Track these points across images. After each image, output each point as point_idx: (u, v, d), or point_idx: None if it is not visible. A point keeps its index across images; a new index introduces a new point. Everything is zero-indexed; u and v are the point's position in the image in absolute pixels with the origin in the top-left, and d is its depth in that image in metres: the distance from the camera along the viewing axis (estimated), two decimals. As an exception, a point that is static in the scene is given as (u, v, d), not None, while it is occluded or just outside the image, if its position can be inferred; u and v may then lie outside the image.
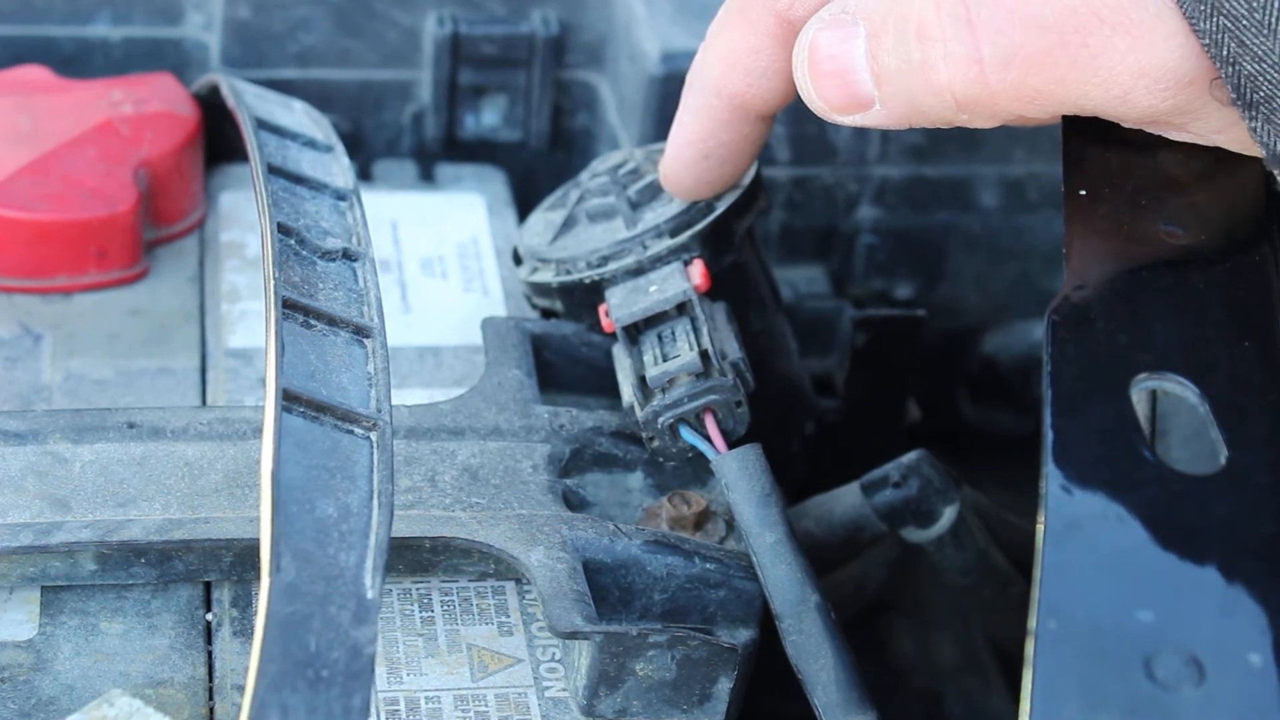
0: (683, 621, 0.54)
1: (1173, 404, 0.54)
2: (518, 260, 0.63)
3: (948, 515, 0.60)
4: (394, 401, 0.51)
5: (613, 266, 0.59)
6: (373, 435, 0.48)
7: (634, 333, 0.58)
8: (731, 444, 0.55)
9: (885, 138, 0.73)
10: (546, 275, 0.60)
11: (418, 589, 0.54)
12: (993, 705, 0.69)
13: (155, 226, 0.66)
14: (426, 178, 0.74)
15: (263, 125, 0.60)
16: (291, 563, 0.44)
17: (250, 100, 0.62)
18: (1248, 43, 0.45)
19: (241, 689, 0.50)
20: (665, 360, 0.56)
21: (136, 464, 0.53)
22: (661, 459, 0.57)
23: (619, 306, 0.58)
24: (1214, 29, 0.45)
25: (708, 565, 0.54)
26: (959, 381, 0.78)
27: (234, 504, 0.53)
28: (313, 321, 0.51)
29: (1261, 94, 0.45)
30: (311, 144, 0.61)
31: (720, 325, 0.57)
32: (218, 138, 0.69)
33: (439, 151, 0.75)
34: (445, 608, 0.54)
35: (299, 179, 0.57)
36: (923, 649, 0.70)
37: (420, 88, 0.75)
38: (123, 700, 0.47)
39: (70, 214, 0.63)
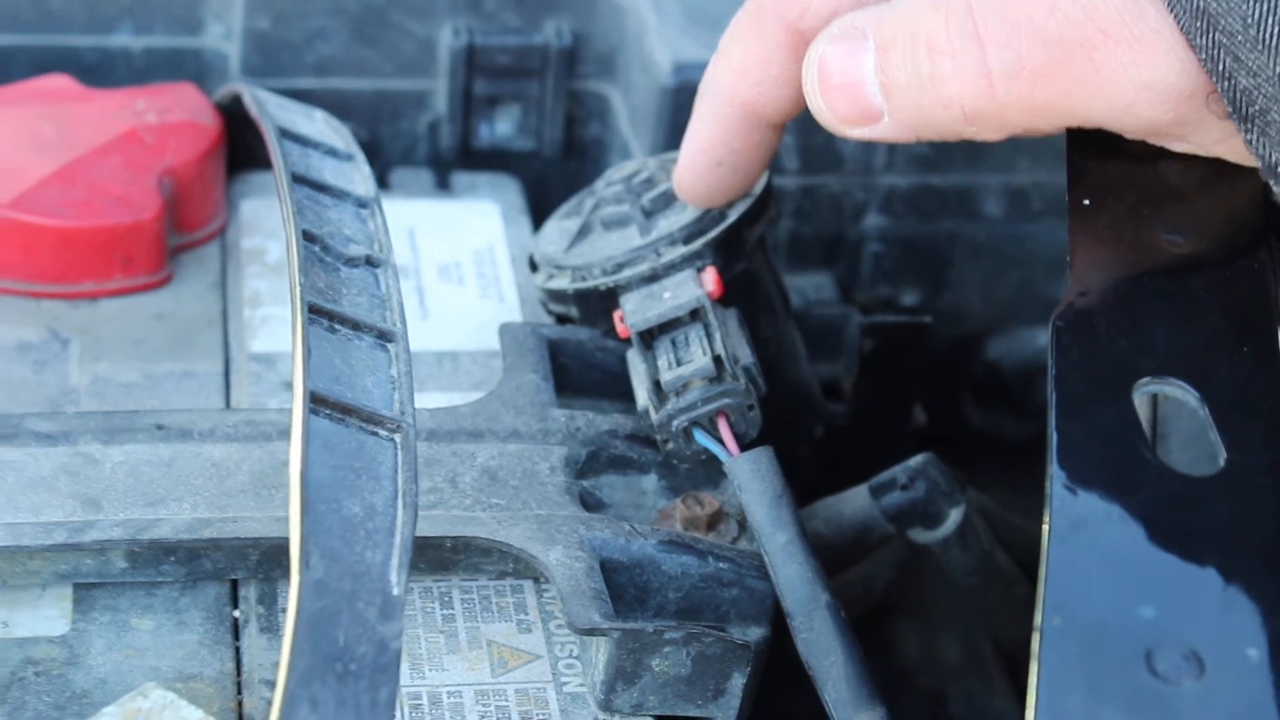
0: (697, 619, 0.55)
1: (1174, 407, 0.55)
2: (534, 267, 0.64)
3: (954, 517, 0.61)
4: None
5: (627, 273, 0.60)
6: (397, 437, 0.50)
7: (648, 338, 0.59)
8: (744, 447, 0.57)
9: (892, 148, 0.74)
10: (562, 282, 0.62)
11: (439, 587, 0.55)
12: (995, 705, 0.69)
13: (179, 233, 0.67)
14: (442, 186, 0.75)
15: (286, 134, 0.61)
16: (320, 560, 0.45)
17: (273, 110, 0.63)
18: (1243, 58, 0.46)
19: (268, 683, 0.52)
20: (679, 365, 0.58)
21: (165, 465, 0.55)
22: (675, 461, 0.58)
23: (634, 312, 0.59)
24: (1210, 45, 0.46)
25: (721, 565, 0.55)
26: (964, 387, 0.79)
27: (260, 504, 0.54)
28: (337, 326, 0.52)
29: (1256, 107, 0.46)
30: (333, 153, 0.62)
31: (732, 331, 0.59)
32: (238, 146, 0.71)
33: (454, 160, 0.77)
34: (466, 605, 0.55)
35: (322, 187, 0.59)
36: (927, 649, 0.71)
37: (436, 97, 0.76)
38: (156, 693, 0.49)
39: (96, 221, 0.64)
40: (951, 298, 0.78)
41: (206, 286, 0.67)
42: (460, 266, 0.69)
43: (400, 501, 0.48)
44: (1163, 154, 0.51)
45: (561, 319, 0.63)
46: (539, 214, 0.72)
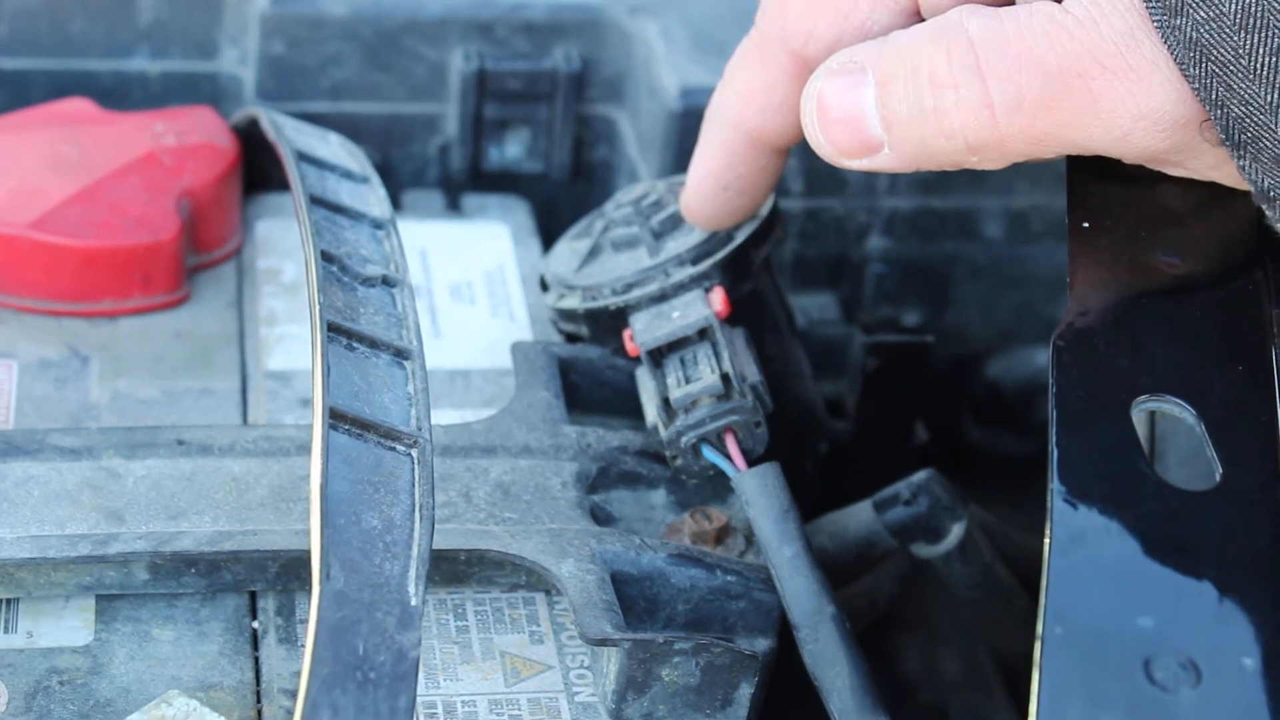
0: (705, 631, 0.56)
1: (1171, 424, 0.56)
2: (545, 287, 0.65)
3: (956, 532, 0.62)
4: (432, 420, 0.53)
5: (637, 293, 0.61)
6: (414, 452, 0.51)
7: (658, 356, 0.60)
8: (751, 462, 0.58)
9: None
10: (573, 301, 0.63)
11: (453, 599, 0.57)
12: (996, 718, 0.70)
13: (196, 253, 0.68)
14: (453, 207, 0.77)
15: (303, 157, 0.62)
16: (340, 571, 0.47)
17: (290, 133, 0.64)
18: (1235, 87, 0.47)
19: (287, 693, 0.53)
20: (688, 383, 0.59)
21: (186, 479, 0.56)
22: (684, 477, 0.60)
23: (643, 331, 0.60)
24: (1203, 74, 0.47)
25: (729, 578, 0.56)
26: (965, 405, 0.79)
27: (279, 517, 0.55)
28: (355, 344, 0.54)
29: (1248, 135, 0.47)
30: (349, 175, 0.63)
31: (740, 349, 0.60)
32: (253, 168, 0.72)
33: (464, 182, 0.78)
34: (479, 617, 0.56)
35: (339, 209, 0.60)
36: (929, 662, 0.72)
37: (447, 121, 0.77)
38: (180, 700, 0.50)
39: (116, 241, 0.65)
40: (953, 318, 0.79)
41: (223, 305, 0.68)
42: (472, 286, 0.70)
43: (417, 515, 0.49)
44: (1160, 178, 0.52)
45: (572, 338, 0.64)
46: (548, 235, 0.74)
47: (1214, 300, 0.51)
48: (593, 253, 0.64)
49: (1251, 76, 0.46)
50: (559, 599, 0.57)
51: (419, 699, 0.53)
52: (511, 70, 0.76)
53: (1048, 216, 0.77)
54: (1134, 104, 0.48)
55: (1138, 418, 0.48)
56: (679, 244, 0.62)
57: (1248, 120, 0.47)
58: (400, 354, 0.54)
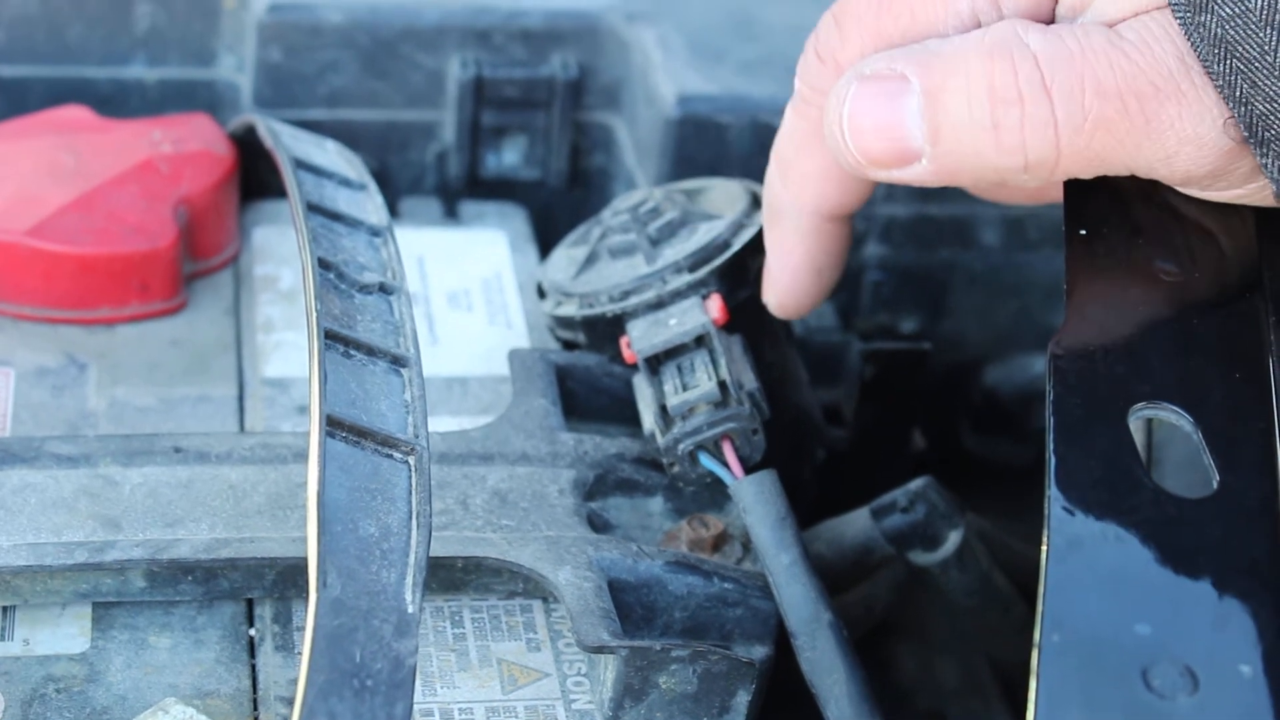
0: (702, 638, 0.56)
1: (1168, 432, 0.56)
2: (542, 294, 0.65)
3: (953, 539, 0.62)
4: (429, 428, 0.53)
5: (634, 300, 0.61)
6: (411, 459, 0.51)
7: (655, 364, 0.60)
8: (748, 470, 0.58)
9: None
10: (570, 309, 0.63)
11: (450, 607, 0.57)
12: (994, 726, 0.70)
13: (193, 260, 0.68)
14: (450, 215, 0.77)
15: (301, 165, 0.62)
16: (337, 579, 0.46)
17: (287, 140, 0.64)
18: (1259, 84, 0.47)
19: (283, 700, 0.53)
20: (685, 390, 0.59)
21: (183, 486, 0.56)
22: (681, 484, 0.60)
23: (640, 339, 0.60)
24: (1227, 71, 0.47)
25: (726, 585, 0.56)
26: (962, 412, 0.79)
27: (276, 525, 0.55)
28: (352, 351, 0.54)
29: (1272, 132, 0.47)
30: (346, 182, 0.63)
31: (737, 357, 0.60)
32: (251, 175, 0.72)
33: (461, 189, 0.78)
34: (476, 624, 0.56)
35: (336, 216, 0.60)
36: (926, 670, 0.72)
37: (444, 128, 0.77)
38: (177, 708, 0.50)
39: (113, 248, 0.65)
40: (950, 325, 0.79)
41: (220, 312, 0.68)
42: (469, 294, 0.70)
43: (414, 522, 0.49)
44: (1158, 187, 0.52)
45: (569, 345, 0.65)
46: (545, 242, 0.74)
47: (1211, 308, 0.51)
48: (590, 260, 0.64)
49: (1276, 73, 0.46)
50: (556, 606, 0.57)
51: (416, 707, 0.53)
52: (509, 78, 0.76)
53: (1045, 224, 0.77)
54: (1182, 127, 0.48)
55: (1135, 425, 0.48)
56: (676, 251, 0.62)
57: (1272, 117, 0.47)
58: (397, 361, 0.54)
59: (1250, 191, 0.50)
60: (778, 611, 0.55)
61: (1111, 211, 0.53)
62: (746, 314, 0.62)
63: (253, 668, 0.54)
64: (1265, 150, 0.48)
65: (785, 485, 0.57)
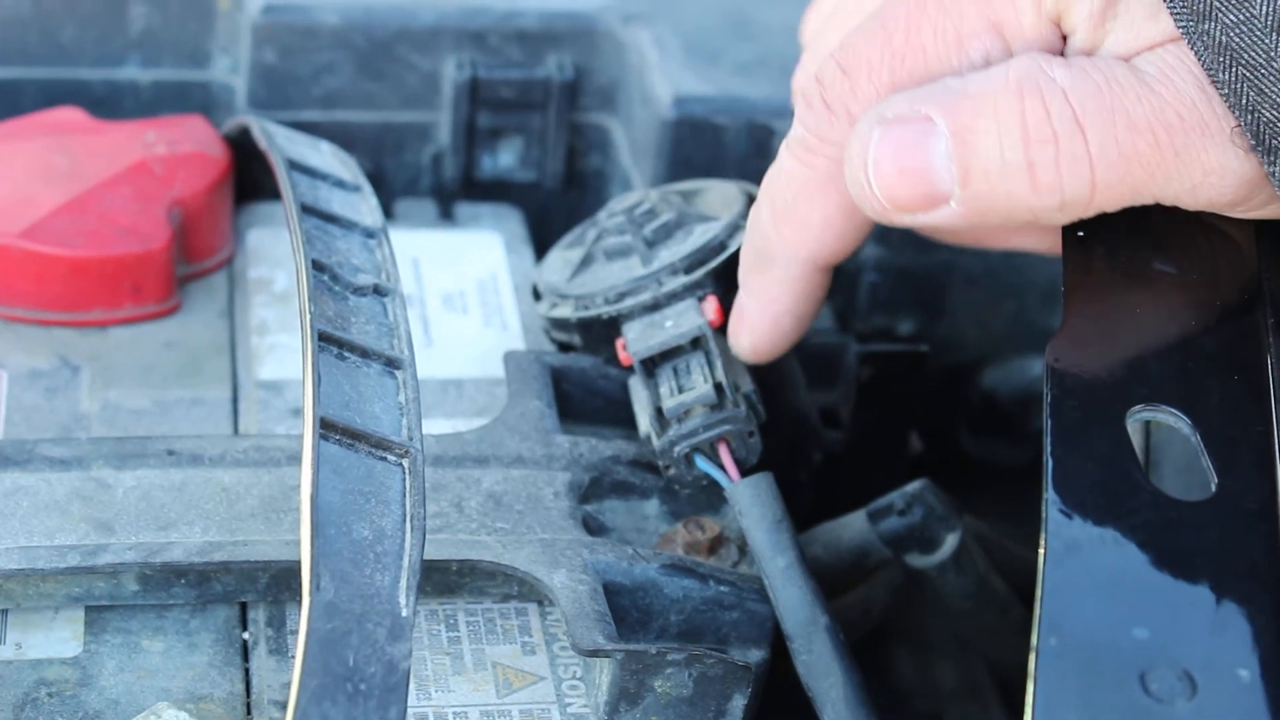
0: (698, 641, 0.56)
1: (1166, 434, 0.56)
2: (537, 296, 0.65)
3: (950, 542, 0.62)
4: (423, 430, 0.53)
5: (629, 302, 0.61)
6: (405, 462, 0.51)
7: (650, 366, 0.60)
8: (744, 473, 0.58)
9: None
10: (566, 311, 0.63)
11: (444, 610, 0.56)
12: (991, 729, 0.70)
13: (187, 262, 0.68)
14: (446, 216, 0.77)
15: (295, 166, 0.62)
16: (330, 582, 0.46)
17: (282, 142, 0.64)
18: (1266, 91, 0.46)
19: (277, 704, 0.52)
20: (681, 392, 0.59)
21: (176, 489, 0.56)
22: (677, 487, 0.59)
23: (636, 340, 0.60)
24: (1233, 79, 0.47)
25: (722, 588, 0.56)
26: (959, 414, 0.79)
27: (270, 528, 0.55)
28: (346, 354, 0.53)
29: None
30: (340, 184, 0.63)
31: (733, 359, 0.60)
32: (245, 177, 0.72)
33: (457, 191, 0.78)
34: (471, 628, 0.56)
35: (330, 218, 0.60)
36: (923, 673, 0.72)
37: (439, 130, 0.77)
38: (169, 712, 0.50)
39: (107, 250, 0.65)
40: (947, 327, 0.79)
41: (214, 315, 0.68)
42: (464, 295, 0.70)
43: (408, 525, 0.49)
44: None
45: (564, 347, 0.64)
46: (540, 244, 0.74)
47: (1210, 310, 0.51)
48: (585, 262, 0.63)
49: None
50: (551, 609, 0.57)
51: (410, 711, 0.53)
52: (504, 79, 0.76)
53: (1043, 226, 0.77)
54: (1206, 158, 0.48)
55: (1133, 428, 0.48)
56: (672, 253, 0.62)
57: (1279, 124, 0.47)
58: (391, 363, 0.54)
59: (1272, 213, 0.50)
60: (774, 615, 0.55)
61: (1110, 213, 0.52)
62: (743, 316, 0.62)
63: (246, 671, 0.54)
64: (1273, 158, 0.47)
65: (782, 488, 0.57)
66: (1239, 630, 0.44)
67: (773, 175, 0.56)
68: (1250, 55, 0.46)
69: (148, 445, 0.57)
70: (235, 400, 0.64)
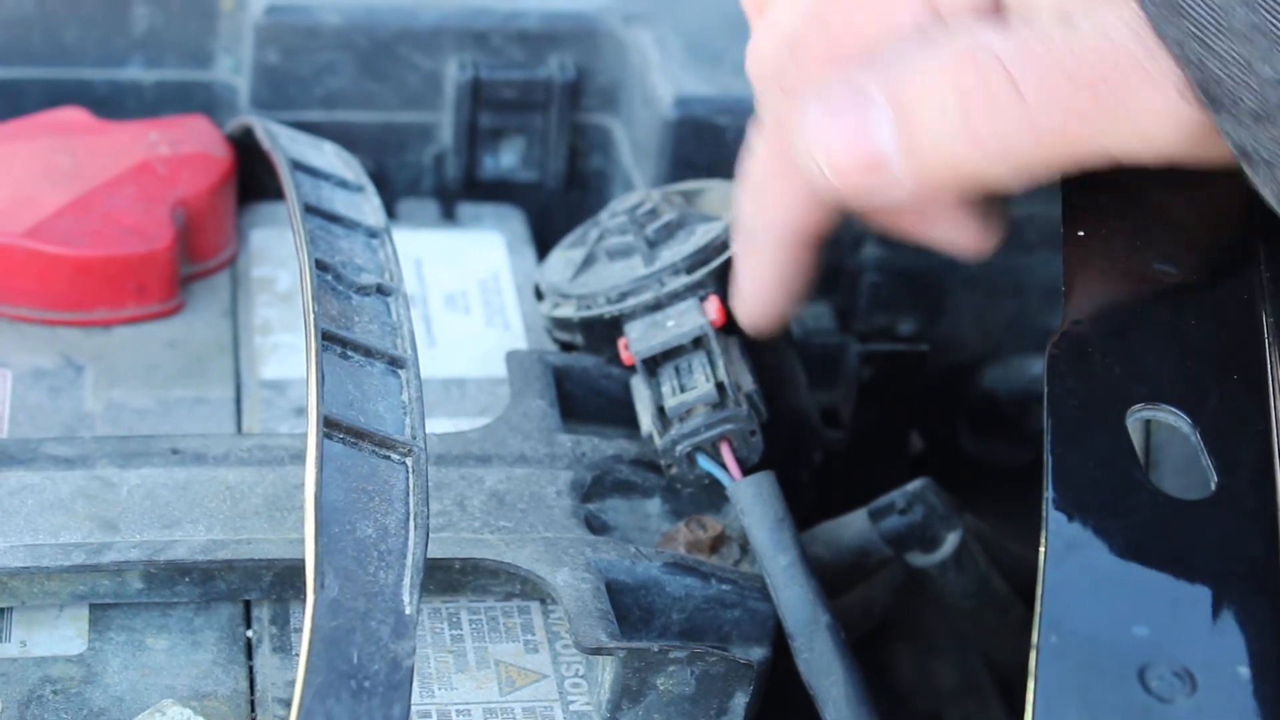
0: (700, 640, 0.56)
1: (1166, 433, 0.56)
2: (539, 296, 0.65)
3: (951, 541, 0.62)
4: (426, 429, 0.53)
5: (632, 302, 0.61)
6: (408, 460, 0.51)
7: (652, 365, 0.60)
8: (745, 471, 0.58)
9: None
10: (568, 310, 0.63)
11: (447, 608, 0.57)
12: (992, 728, 0.71)
13: (191, 262, 0.68)
14: (448, 216, 0.77)
15: (298, 166, 0.62)
16: (334, 580, 0.46)
17: (285, 142, 0.64)
18: (1211, 44, 0.46)
19: (281, 702, 0.53)
20: (683, 391, 0.59)
21: (180, 488, 0.56)
22: (679, 486, 0.60)
23: (638, 340, 0.60)
24: (1178, 33, 0.47)
25: (723, 587, 0.56)
26: (960, 414, 0.80)
27: (274, 526, 0.55)
28: (350, 353, 0.54)
29: (1225, 92, 0.47)
30: (343, 184, 0.63)
31: (735, 358, 0.60)
32: (248, 177, 0.72)
33: (459, 191, 0.78)
34: (474, 626, 0.56)
35: (333, 217, 0.60)
36: (924, 672, 0.72)
37: (441, 130, 0.77)
38: (174, 710, 0.50)
39: (110, 250, 0.65)
40: (948, 327, 0.79)
41: (218, 314, 0.68)
42: (466, 295, 0.70)
43: (412, 523, 0.49)
44: (1155, 187, 0.52)
45: (567, 346, 0.64)
46: (542, 244, 0.74)
47: (1210, 309, 0.51)
48: (587, 261, 0.64)
49: (1226, 34, 0.46)
50: (554, 608, 0.57)
51: (414, 708, 0.53)
52: (506, 79, 0.76)
53: (1042, 226, 0.77)
54: (1153, 103, 0.48)
55: (1133, 427, 0.48)
56: (674, 253, 0.62)
57: (1224, 77, 0.47)
58: (395, 362, 0.54)
59: (1225, 160, 0.49)
60: (775, 613, 0.55)
61: (1109, 213, 0.53)
62: (744, 316, 0.62)
63: (250, 669, 0.54)
64: (1220, 111, 0.47)
65: (783, 487, 0.57)
66: (1239, 628, 0.44)
67: (748, 158, 0.57)
68: (1196, 11, 0.46)
69: (152, 444, 0.57)
70: (239, 399, 0.64)
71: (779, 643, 0.56)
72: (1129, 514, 0.46)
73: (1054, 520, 0.46)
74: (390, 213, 0.76)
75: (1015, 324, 0.79)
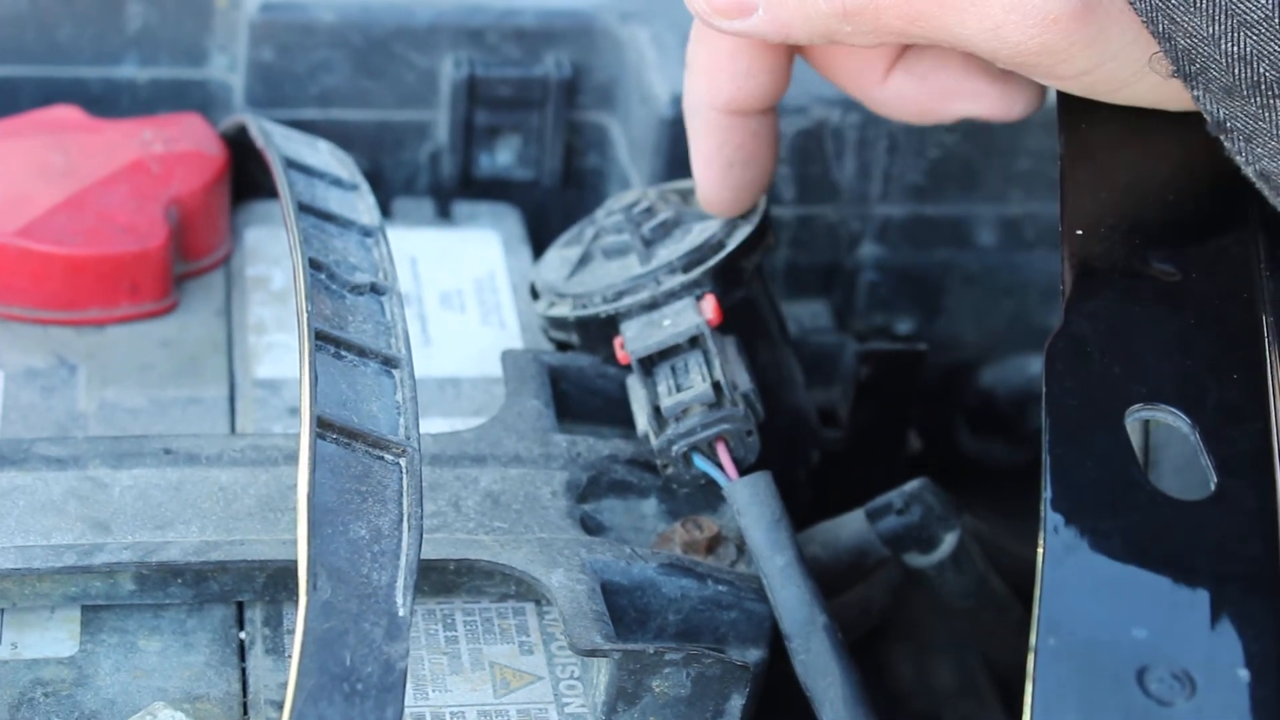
0: (696, 641, 0.56)
1: (1165, 433, 0.56)
2: (535, 295, 0.65)
3: (949, 541, 0.62)
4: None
5: (628, 301, 0.61)
6: (402, 461, 0.51)
7: (648, 365, 0.60)
8: (742, 471, 0.58)
9: (887, 178, 0.75)
10: (564, 309, 0.63)
11: (441, 609, 0.56)
12: (990, 728, 0.70)
13: (184, 261, 0.68)
14: (443, 215, 0.76)
15: (292, 165, 0.62)
16: (327, 582, 0.46)
17: (279, 140, 0.64)
18: (1179, 20, 0.47)
19: (274, 704, 0.52)
20: (679, 391, 0.59)
21: (173, 488, 0.56)
22: (675, 486, 0.59)
23: (634, 339, 0.60)
24: (1148, 8, 0.47)
25: (720, 588, 0.56)
26: (958, 413, 0.79)
27: (267, 527, 0.55)
28: (343, 352, 0.53)
29: (1196, 66, 0.47)
30: (338, 182, 0.63)
31: (731, 358, 0.60)
32: (242, 176, 0.72)
33: (455, 189, 0.78)
34: (468, 627, 0.56)
35: (327, 216, 0.60)
36: (922, 672, 0.72)
37: (437, 128, 0.77)
38: (166, 712, 0.50)
39: (103, 249, 0.65)
40: (946, 326, 0.79)
41: (212, 314, 0.67)
42: (462, 294, 0.70)
43: (405, 524, 0.49)
44: (1154, 186, 0.52)
45: (562, 346, 0.64)
46: (538, 243, 0.73)
47: (1209, 308, 0.51)
48: (583, 260, 0.63)
49: (1193, 10, 0.47)
50: (549, 609, 0.57)
51: (407, 711, 0.53)
52: (502, 77, 0.76)
53: (1041, 224, 0.77)
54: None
55: (1132, 427, 0.48)
56: (670, 251, 0.62)
57: (1194, 52, 0.47)
58: (389, 362, 0.54)
59: (1098, 81, 0.50)
60: (772, 614, 0.55)
61: (1108, 211, 0.53)
62: (741, 315, 0.62)
63: (243, 671, 0.54)
64: (1194, 83, 0.48)
65: (780, 487, 0.57)
66: (1238, 629, 0.44)
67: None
68: None
69: (144, 444, 0.57)
70: (232, 399, 0.64)
71: (776, 644, 0.55)
72: (1128, 514, 0.46)
73: (1052, 521, 0.45)
74: (385, 211, 0.76)
75: (1014, 323, 0.79)
